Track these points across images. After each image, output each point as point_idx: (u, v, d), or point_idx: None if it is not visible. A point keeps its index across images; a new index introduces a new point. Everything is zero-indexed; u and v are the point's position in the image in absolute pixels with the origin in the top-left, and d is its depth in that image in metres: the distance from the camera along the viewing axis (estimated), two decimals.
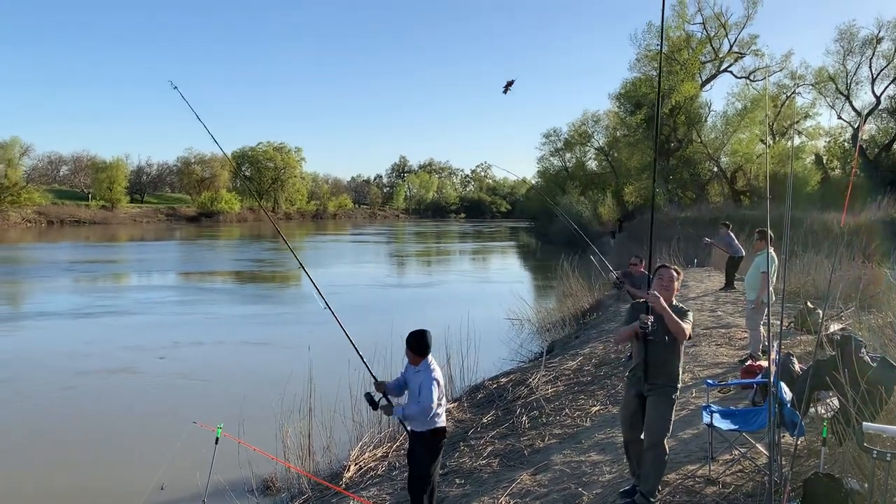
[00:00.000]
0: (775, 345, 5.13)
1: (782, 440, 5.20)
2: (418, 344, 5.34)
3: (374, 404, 5.53)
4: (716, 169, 46.39)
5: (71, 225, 75.21)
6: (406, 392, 5.54)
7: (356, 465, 7.90)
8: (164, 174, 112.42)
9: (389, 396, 5.60)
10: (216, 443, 5.73)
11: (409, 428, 5.50)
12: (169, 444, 8.12)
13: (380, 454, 8.15)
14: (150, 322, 18.40)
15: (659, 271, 5.25)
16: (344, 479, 7.57)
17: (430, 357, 5.39)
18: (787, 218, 4.86)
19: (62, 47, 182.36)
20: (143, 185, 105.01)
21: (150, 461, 8.18)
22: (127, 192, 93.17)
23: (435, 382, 5.25)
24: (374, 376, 5.82)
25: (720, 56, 46.11)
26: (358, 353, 6.06)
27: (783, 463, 4.95)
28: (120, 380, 12.60)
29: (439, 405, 5.30)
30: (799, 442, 5.01)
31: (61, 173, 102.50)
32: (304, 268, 6.98)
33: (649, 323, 4.86)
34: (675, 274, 5.19)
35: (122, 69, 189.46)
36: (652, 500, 4.88)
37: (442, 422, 5.39)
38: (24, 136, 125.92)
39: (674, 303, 5.06)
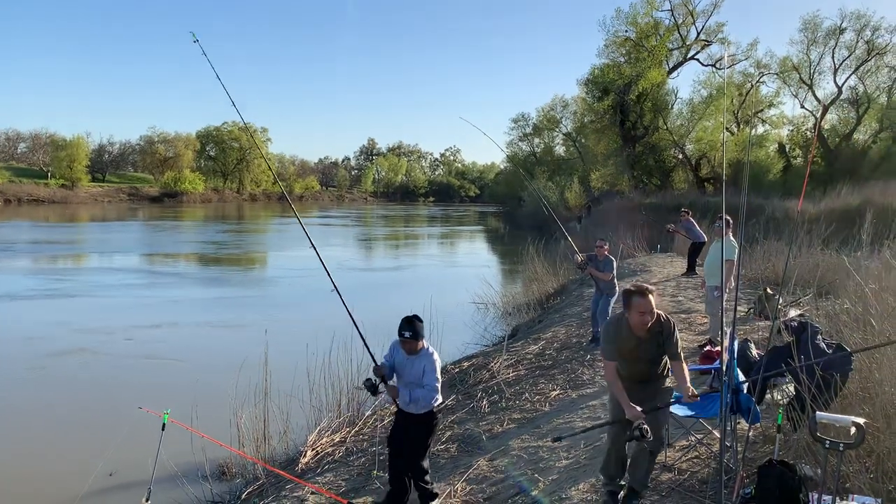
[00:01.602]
0: (728, 332, 5.06)
1: (738, 426, 5.20)
2: (416, 329, 5.32)
3: (374, 389, 5.43)
4: (681, 156, 46.84)
5: (29, 204, 73.25)
6: (395, 378, 5.51)
7: (313, 450, 7.76)
8: (126, 153, 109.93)
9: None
10: (163, 429, 5.55)
11: (411, 411, 5.39)
12: (118, 428, 7.90)
13: (337, 439, 8.02)
14: (105, 305, 17.96)
15: (632, 300, 4.52)
16: (300, 465, 7.44)
17: (424, 341, 5.40)
18: (742, 204, 4.83)
19: (20, 20, 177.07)
20: (105, 163, 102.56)
21: (96, 447, 7.94)
22: (88, 171, 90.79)
23: (437, 363, 5.32)
24: (374, 359, 5.68)
25: (687, 43, 46.40)
26: (361, 334, 6.01)
27: (738, 449, 4.95)
28: (70, 362, 12.25)
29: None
30: (754, 428, 5.01)
31: (19, 150, 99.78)
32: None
33: (647, 433, 4.37)
34: (651, 300, 4.53)
35: (84, 44, 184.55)
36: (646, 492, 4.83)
37: (440, 399, 5.45)
38: None
39: (661, 318, 4.63)
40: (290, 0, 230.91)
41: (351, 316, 6.07)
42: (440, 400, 5.44)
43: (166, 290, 20.89)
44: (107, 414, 9.44)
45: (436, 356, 5.36)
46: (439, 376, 5.33)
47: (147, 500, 5.51)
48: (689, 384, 4.61)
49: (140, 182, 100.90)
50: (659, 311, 4.65)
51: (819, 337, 5.25)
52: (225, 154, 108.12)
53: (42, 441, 8.74)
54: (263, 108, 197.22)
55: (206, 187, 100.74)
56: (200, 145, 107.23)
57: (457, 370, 10.49)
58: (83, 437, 8.79)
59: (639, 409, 4.48)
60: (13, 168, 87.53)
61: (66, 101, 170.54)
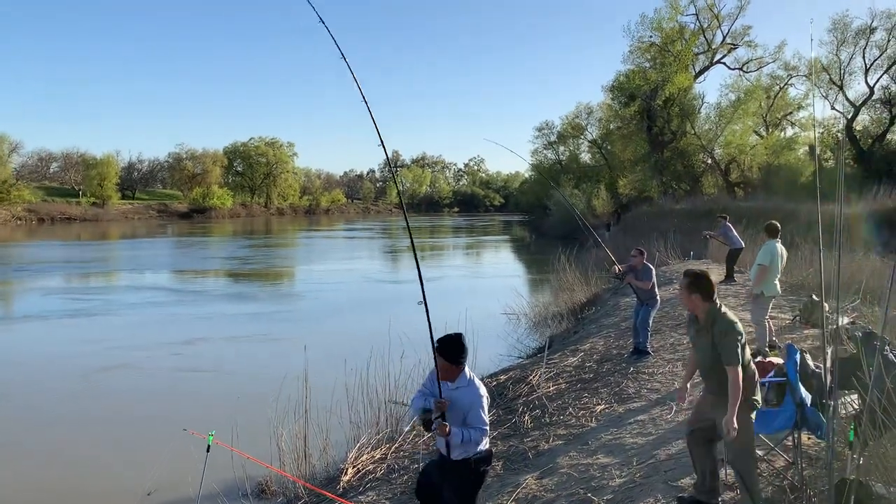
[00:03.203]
0: (797, 358, 4.76)
1: (801, 442, 4.98)
2: (456, 351, 4.39)
3: (428, 425, 4.45)
4: (710, 161, 46.30)
5: (62, 222, 74.50)
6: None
7: (354, 468, 7.64)
8: (155, 170, 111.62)
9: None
10: (207, 451, 5.48)
11: (451, 456, 4.42)
12: (162, 448, 7.86)
13: (378, 456, 7.90)
14: (142, 322, 18.07)
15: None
16: (341, 483, 7.32)
17: (467, 369, 4.49)
18: (819, 212, 4.61)
19: (53, 44, 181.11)
20: (135, 181, 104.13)
21: (142, 466, 7.91)
22: (118, 189, 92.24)
23: (484, 400, 4.41)
24: (441, 393, 4.44)
25: (713, 47, 46.01)
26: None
27: (803, 466, 4.74)
28: (110, 382, 12.29)
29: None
30: (817, 443, 4.79)
31: (51, 170, 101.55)
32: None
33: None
34: (685, 289, 4.50)
35: (112, 64, 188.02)
36: None
37: (488, 443, 4.54)
38: (13, 132, 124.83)
39: (716, 314, 4.41)
40: (313, 17, 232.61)
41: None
42: (486, 445, 4.51)
43: (202, 306, 21.00)
44: (151, 432, 9.41)
45: (483, 391, 4.42)
46: (486, 417, 4.42)
47: None
48: (733, 414, 4.14)
49: (169, 198, 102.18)
50: (724, 310, 4.44)
51: (888, 347, 5.02)
52: (252, 169, 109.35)
53: (86, 460, 8.74)
54: (289, 122, 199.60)
55: (234, 202, 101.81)
56: (228, 161, 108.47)
57: (494, 384, 10.29)
58: (126, 455, 8.75)
59: (687, 388, 4.92)
60: (45, 187, 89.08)
61: (95, 120, 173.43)
